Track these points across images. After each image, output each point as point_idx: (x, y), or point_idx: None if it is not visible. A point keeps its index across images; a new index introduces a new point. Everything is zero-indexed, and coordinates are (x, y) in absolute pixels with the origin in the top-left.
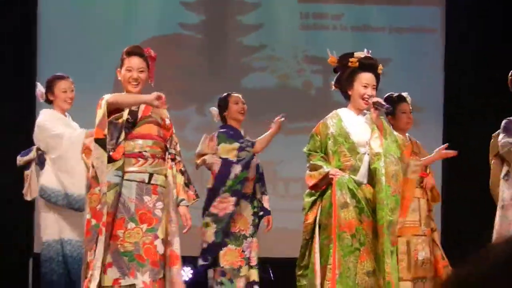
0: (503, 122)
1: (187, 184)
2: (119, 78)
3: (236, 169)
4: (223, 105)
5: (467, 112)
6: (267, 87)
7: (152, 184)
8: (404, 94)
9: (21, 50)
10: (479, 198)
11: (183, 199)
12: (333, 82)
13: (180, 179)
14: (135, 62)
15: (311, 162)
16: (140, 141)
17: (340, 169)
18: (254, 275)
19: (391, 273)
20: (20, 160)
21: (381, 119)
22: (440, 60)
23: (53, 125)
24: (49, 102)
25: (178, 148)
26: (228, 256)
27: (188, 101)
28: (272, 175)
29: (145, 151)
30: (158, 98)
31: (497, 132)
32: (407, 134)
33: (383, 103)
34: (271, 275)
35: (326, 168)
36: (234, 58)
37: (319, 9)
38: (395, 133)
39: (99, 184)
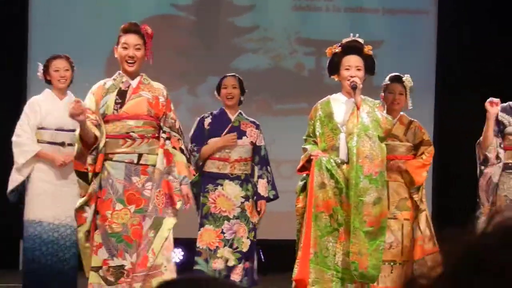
0: None
1: (189, 159)
2: (116, 56)
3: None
4: (217, 87)
5: (459, 93)
6: (260, 68)
7: (142, 165)
8: (405, 76)
9: (13, 30)
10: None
11: (185, 177)
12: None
13: (180, 157)
14: (131, 39)
15: (302, 146)
16: (128, 122)
17: (324, 150)
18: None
19: (358, 253)
20: None
21: (360, 98)
22: (432, 42)
23: (22, 122)
24: (48, 82)
25: (177, 125)
26: (204, 237)
27: (181, 82)
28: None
29: (133, 132)
30: (73, 115)
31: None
32: (401, 113)
33: (357, 81)
34: (262, 257)
35: (310, 151)
36: (227, 39)
37: None
38: (379, 112)
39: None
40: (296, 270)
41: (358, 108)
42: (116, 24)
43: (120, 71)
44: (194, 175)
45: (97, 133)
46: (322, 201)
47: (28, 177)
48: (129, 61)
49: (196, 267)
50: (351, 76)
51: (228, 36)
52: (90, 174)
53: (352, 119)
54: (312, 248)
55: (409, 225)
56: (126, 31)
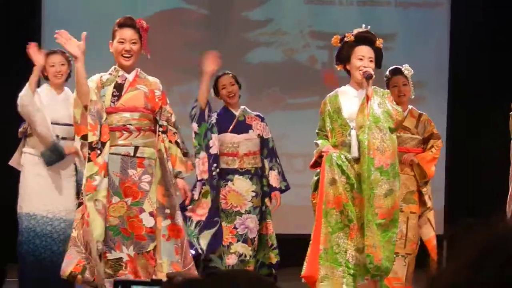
0: None
1: (186, 154)
2: (111, 50)
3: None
4: (215, 89)
5: (472, 88)
6: (273, 62)
7: (138, 157)
8: (404, 66)
9: (25, 30)
10: (484, 175)
11: (179, 171)
12: (334, 62)
13: (175, 150)
14: (127, 33)
15: (314, 141)
16: (124, 114)
17: (335, 146)
18: (272, 258)
19: (372, 246)
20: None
21: (372, 89)
22: (446, 35)
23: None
24: (45, 78)
25: (173, 119)
26: None
27: (192, 76)
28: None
29: (130, 124)
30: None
31: None
32: (409, 106)
33: (371, 71)
34: None
35: (321, 146)
36: (239, 33)
37: None
38: (389, 104)
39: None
40: (305, 266)
41: (369, 99)
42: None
43: (116, 66)
44: (191, 169)
45: (86, 87)
46: (333, 197)
47: (21, 171)
48: (125, 55)
49: (211, 264)
50: (364, 67)
51: (240, 30)
52: (91, 135)
53: (362, 111)
54: (322, 244)
55: (414, 218)
56: (122, 25)
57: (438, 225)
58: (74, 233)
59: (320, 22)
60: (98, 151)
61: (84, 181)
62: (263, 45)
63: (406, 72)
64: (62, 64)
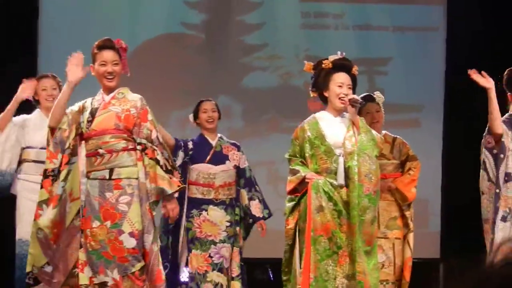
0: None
1: (170, 171)
2: (93, 73)
3: None
4: (195, 113)
5: (467, 111)
6: (269, 86)
7: (114, 179)
8: (376, 93)
9: (21, 49)
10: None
11: (162, 189)
12: (310, 88)
13: (154, 167)
14: (108, 55)
15: (290, 167)
16: (95, 139)
17: (317, 173)
18: (236, 286)
19: (363, 273)
20: None
21: (358, 117)
22: (441, 59)
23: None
24: (36, 102)
25: (154, 135)
26: (193, 261)
27: (189, 100)
28: (274, 174)
29: (100, 148)
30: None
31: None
32: (383, 132)
33: (359, 99)
34: (271, 276)
35: (302, 173)
36: (236, 57)
37: (321, 8)
38: (374, 132)
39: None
40: None
41: (357, 128)
42: (126, 43)
43: (101, 89)
44: (178, 185)
45: (64, 119)
46: (320, 225)
47: (16, 197)
48: (108, 77)
49: None
50: (345, 94)
51: (237, 55)
52: (48, 162)
53: (350, 138)
54: (312, 272)
55: (400, 244)
56: (101, 47)
57: (434, 249)
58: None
59: (316, 46)
60: (53, 179)
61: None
62: (259, 69)
63: (378, 99)
64: (54, 88)
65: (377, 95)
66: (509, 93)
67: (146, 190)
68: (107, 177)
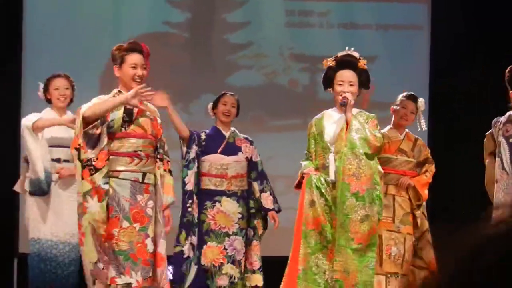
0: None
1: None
2: (117, 75)
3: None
4: (214, 103)
5: (453, 109)
6: (254, 85)
7: (145, 183)
8: (420, 99)
9: (6, 49)
10: (465, 194)
11: (173, 201)
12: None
13: (169, 179)
14: (138, 58)
15: (300, 162)
16: (135, 140)
17: (317, 168)
18: (257, 279)
19: (343, 272)
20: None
21: (350, 115)
22: (426, 57)
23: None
24: (48, 101)
25: (166, 148)
26: (208, 254)
27: (174, 99)
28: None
29: (141, 151)
30: (136, 94)
31: (489, 132)
32: (405, 130)
33: (348, 97)
34: None
35: (303, 168)
36: (220, 56)
37: (305, 7)
38: (369, 130)
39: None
40: (282, 286)
41: (348, 125)
42: (109, 42)
43: (120, 89)
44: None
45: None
46: (312, 219)
47: (26, 196)
48: (137, 80)
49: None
50: (344, 92)
51: (221, 53)
52: (83, 152)
53: (341, 137)
54: (301, 265)
55: (411, 239)
56: (132, 50)
57: None
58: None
59: (301, 45)
60: (91, 170)
61: (80, 198)
62: (244, 68)
63: (419, 104)
64: (66, 88)
65: (421, 101)
66: (511, 91)
67: (160, 198)
68: (140, 180)
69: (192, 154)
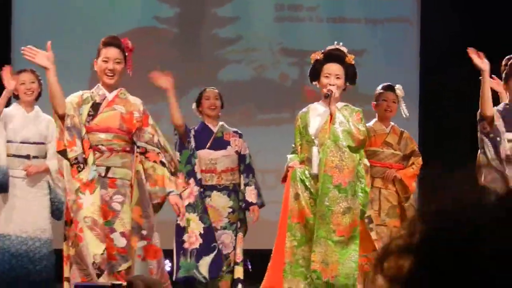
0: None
1: (174, 173)
2: (95, 68)
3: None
4: (197, 101)
5: (442, 102)
6: (243, 79)
7: (109, 178)
8: (397, 86)
9: None
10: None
11: (172, 190)
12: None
13: (162, 170)
14: (112, 52)
15: (287, 156)
16: (97, 134)
17: (302, 161)
18: (239, 272)
19: (322, 262)
20: None
21: (334, 107)
22: (415, 51)
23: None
24: (15, 96)
25: (156, 140)
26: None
27: (164, 94)
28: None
29: (102, 145)
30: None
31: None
32: (391, 123)
33: (332, 89)
34: (249, 267)
35: (289, 161)
36: (210, 51)
37: (294, 1)
38: (352, 123)
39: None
40: (265, 278)
41: (331, 117)
42: (99, 37)
43: (100, 84)
44: (184, 187)
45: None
46: (297, 212)
47: None
48: (108, 74)
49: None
50: (330, 84)
51: (211, 48)
52: (69, 151)
53: (324, 130)
54: (287, 258)
55: (397, 232)
56: (107, 44)
57: None
58: (71, 251)
59: (290, 39)
60: (79, 167)
61: (72, 196)
62: (233, 62)
63: (398, 92)
64: (32, 82)
65: (398, 88)
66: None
67: (146, 192)
68: (103, 174)
69: (193, 143)
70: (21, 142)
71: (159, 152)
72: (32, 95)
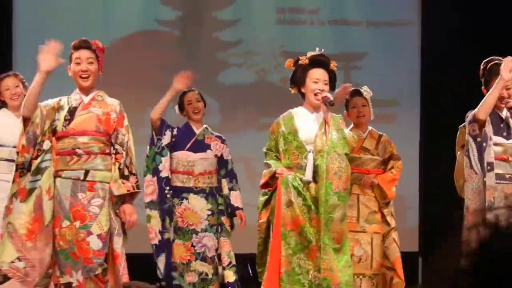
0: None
1: (126, 176)
2: (69, 74)
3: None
4: (179, 105)
5: (444, 105)
6: (245, 83)
7: (88, 181)
8: (363, 88)
9: None
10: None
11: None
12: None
13: (114, 170)
14: (83, 54)
15: (264, 161)
16: (74, 138)
17: (288, 168)
18: (229, 276)
19: (329, 270)
20: None
21: (330, 114)
22: (417, 54)
23: None
24: (3, 103)
25: (125, 140)
26: (176, 251)
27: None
28: (251, 170)
29: (78, 148)
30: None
31: (463, 124)
32: (369, 128)
33: (331, 98)
34: (250, 271)
35: (274, 167)
36: (211, 54)
37: (296, 4)
38: (346, 130)
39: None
40: None
41: (329, 124)
42: (101, 40)
43: (76, 89)
44: (128, 190)
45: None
46: (290, 219)
47: None
48: (83, 76)
49: (175, 282)
50: (320, 90)
51: (212, 51)
52: (19, 156)
53: (321, 136)
54: (283, 267)
55: (378, 238)
56: (77, 47)
57: (412, 243)
58: None
59: (292, 42)
60: (22, 172)
61: (7, 200)
62: (234, 65)
63: (365, 94)
64: (17, 86)
65: (365, 90)
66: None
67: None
68: (82, 177)
69: (166, 141)
70: (13, 147)
71: (121, 153)
72: (18, 100)
